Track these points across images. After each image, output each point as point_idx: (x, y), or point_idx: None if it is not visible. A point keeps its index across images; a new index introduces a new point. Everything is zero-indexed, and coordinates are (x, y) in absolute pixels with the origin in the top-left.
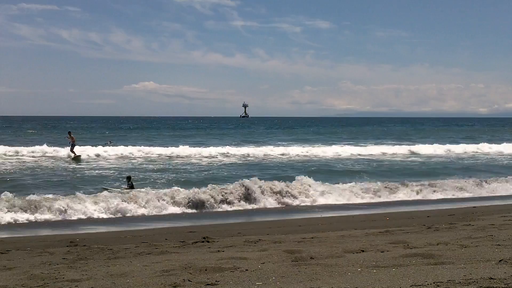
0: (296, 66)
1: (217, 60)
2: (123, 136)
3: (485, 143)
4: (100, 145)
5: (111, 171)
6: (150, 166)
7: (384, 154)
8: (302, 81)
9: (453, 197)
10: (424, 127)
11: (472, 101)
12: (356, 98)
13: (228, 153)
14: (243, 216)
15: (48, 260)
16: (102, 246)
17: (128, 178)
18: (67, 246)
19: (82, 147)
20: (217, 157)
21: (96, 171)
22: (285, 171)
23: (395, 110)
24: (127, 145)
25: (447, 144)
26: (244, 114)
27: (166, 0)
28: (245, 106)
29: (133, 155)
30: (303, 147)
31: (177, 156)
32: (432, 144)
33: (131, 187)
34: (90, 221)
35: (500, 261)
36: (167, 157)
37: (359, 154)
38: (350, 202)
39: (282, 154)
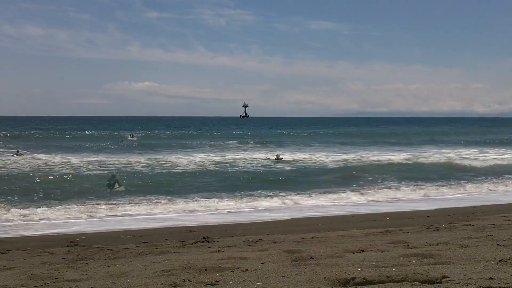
0: (296, 66)
1: (217, 60)
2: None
3: None
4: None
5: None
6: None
7: None
8: (302, 81)
9: None
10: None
11: (472, 101)
12: (356, 98)
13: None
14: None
15: (48, 260)
16: (102, 246)
17: (113, 176)
18: (67, 246)
19: (83, 157)
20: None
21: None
22: None
23: (395, 110)
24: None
25: None
26: (244, 114)
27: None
28: (245, 106)
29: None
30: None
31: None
32: None
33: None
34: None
35: (500, 261)
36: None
37: None
38: None
39: None
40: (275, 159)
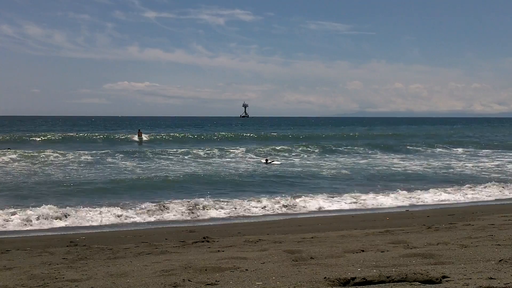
0: (296, 66)
1: (217, 60)
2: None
3: None
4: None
5: None
6: None
7: None
8: (301, 81)
9: None
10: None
11: (472, 101)
12: (356, 98)
13: None
14: None
15: (48, 260)
16: (102, 246)
17: None
18: (67, 246)
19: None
20: None
21: None
22: None
23: (395, 110)
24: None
25: None
26: (244, 114)
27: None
28: (245, 106)
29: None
30: None
31: None
32: None
33: None
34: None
35: (500, 261)
36: None
37: None
38: None
39: None
40: (265, 162)
